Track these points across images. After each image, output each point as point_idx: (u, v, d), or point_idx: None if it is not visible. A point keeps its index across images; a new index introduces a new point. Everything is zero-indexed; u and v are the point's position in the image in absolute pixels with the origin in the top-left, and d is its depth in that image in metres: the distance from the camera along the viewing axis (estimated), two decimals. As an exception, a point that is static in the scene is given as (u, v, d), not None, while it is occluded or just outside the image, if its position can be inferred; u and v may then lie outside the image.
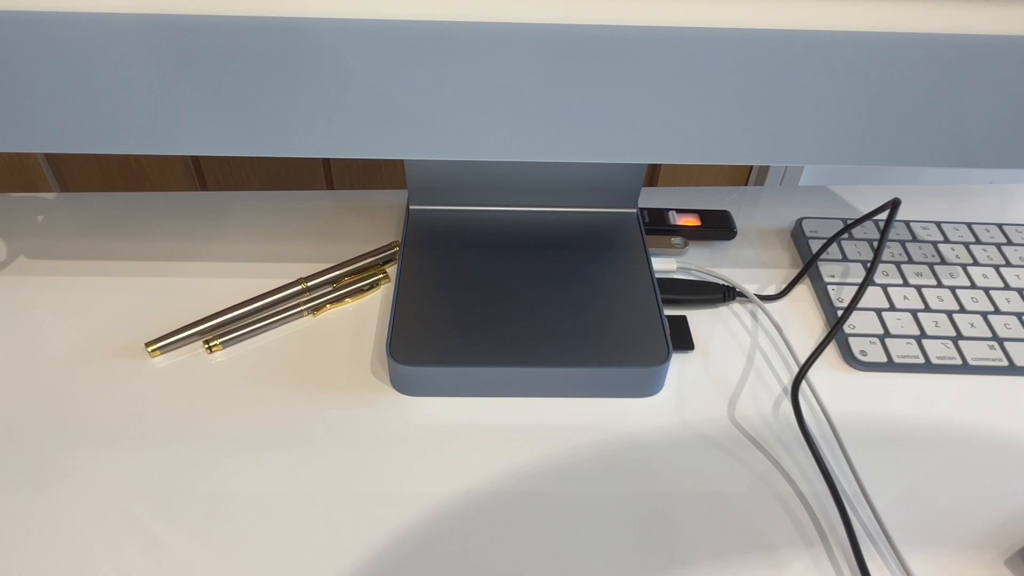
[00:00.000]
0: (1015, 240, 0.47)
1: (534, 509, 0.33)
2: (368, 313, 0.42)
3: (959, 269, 0.45)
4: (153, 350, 0.39)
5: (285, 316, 0.41)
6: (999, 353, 0.40)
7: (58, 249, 0.45)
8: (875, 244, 0.46)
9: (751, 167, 0.84)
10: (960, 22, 0.28)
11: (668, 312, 0.42)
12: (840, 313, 0.41)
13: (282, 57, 0.28)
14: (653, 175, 0.82)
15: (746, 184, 0.85)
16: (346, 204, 0.50)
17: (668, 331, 0.38)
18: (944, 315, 0.42)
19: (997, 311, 0.42)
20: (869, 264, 0.43)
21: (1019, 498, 0.34)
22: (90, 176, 0.76)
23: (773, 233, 0.49)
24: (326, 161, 0.75)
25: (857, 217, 0.46)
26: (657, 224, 0.47)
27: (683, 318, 0.42)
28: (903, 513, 0.33)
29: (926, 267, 0.45)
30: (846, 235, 0.47)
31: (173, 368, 0.39)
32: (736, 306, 0.43)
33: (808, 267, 0.44)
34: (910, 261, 0.45)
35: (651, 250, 0.45)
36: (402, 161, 0.61)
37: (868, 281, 0.40)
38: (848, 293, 0.43)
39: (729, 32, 0.28)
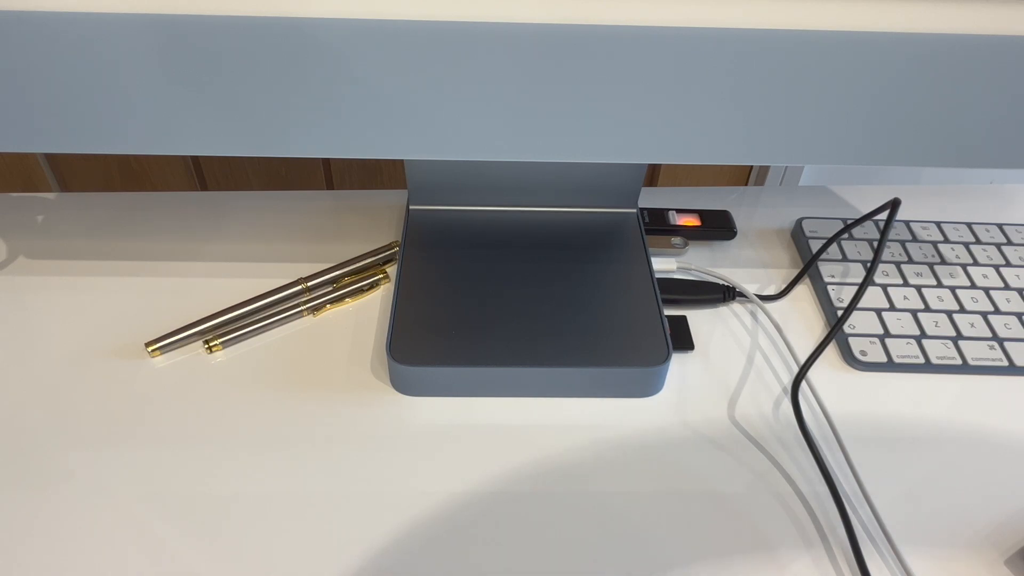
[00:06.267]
0: (1015, 240, 0.47)
1: (534, 509, 0.33)
2: (368, 313, 0.42)
3: (959, 269, 0.45)
4: (153, 350, 0.39)
5: (285, 316, 0.41)
6: (999, 353, 0.40)
7: (58, 249, 0.45)
8: (875, 244, 0.46)
9: (751, 167, 0.84)
10: (960, 22, 0.28)
11: (668, 312, 0.42)
12: (840, 313, 0.41)
13: (282, 57, 0.28)
14: (653, 175, 0.82)
15: (746, 184, 0.85)
16: (346, 204, 0.50)
17: (668, 331, 0.38)
18: (944, 315, 0.42)
19: (997, 311, 0.42)
20: (869, 264, 0.43)
21: (1019, 498, 0.34)
22: (90, 176, 0.76)
23: (773, 233, 0.49)
24: (326, 161, 0.75)
25: (857, 217, 0.46)
26: (657, 224, 0.47)
27: (683, 318, 0.42)
28: (903, 513, 0.33)
29: (926, 267, 0.45)
30: (846, 235, 0.47)
31: (173, 368, 0.39)
32: (736, 306, 0.43)
33: (808, 267, 0.44)
34: (910, 261, 0.45)
35: (651, 250, 0.45)
36: (402, 161, 0.61)
37: (868, 281, 0.40)
38: (848, 293, 0.43)
39: (729, 32, 0.28)
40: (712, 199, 0.51)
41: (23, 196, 0.49)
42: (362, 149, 0.32)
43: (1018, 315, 0.42)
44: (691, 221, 0.47)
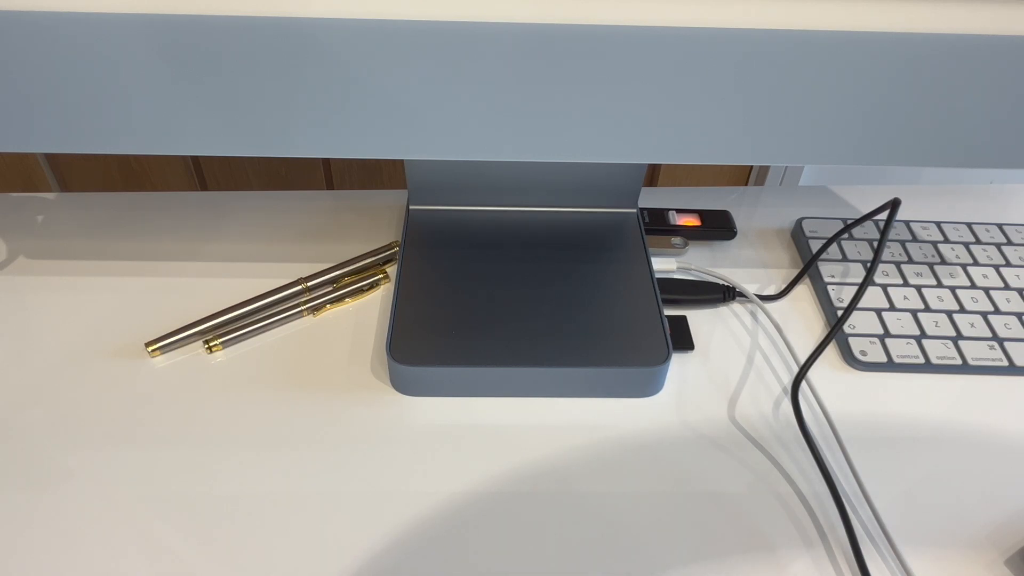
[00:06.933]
0: (1015, 240, 0.47)
1: (534, 509, 0.33)
2: (368, 313, 0.42)
3: (959, 269, 0.45)
4: (153, 350, 0.39)
5: (285, 316, 0.41)
6: (999, 353, 0.40)
7: (58, 249, 0.45)
8: (875, 244, 0.46)
9: (751, 167, 0.84)
10: (960, 22, 0.28)
11: (668, 312, 0.42)
12: (840, 313, 0.41)
13: (282, 57, 0.28)
14: (653, 175, 0.82)
15: (746, 184, 0.85)
16: (346, 204, 0.50)
17: (668, 331, 0.38)
18: (944, 315, 0.42)
19: (997, 311, 0.42)
20: (869, 264, 0.43)
21: (1019, 498, 0.34)
22: (90, 176, 0.76)
23: (773, 233, 0.49)
24: (326, 161, 0.75)
25: (857, 217, 0.46)
26: (657, 224, 0.47)
27: (683, 318, 0.42)
28: (903, 513, 0.33)
29: (926, 267, 0.45)
30: (846, 235, 0.47)
31: (173, 368, 0.39)
32: (736, 306, 0.43)
33: (808, 267, 0.44)
34: (910, 261, 0.45)
35: (651, 250, 0.45)
36: (402, 161, 0.61)
37: (868, 281, 0.40)
38: (848, 293, 0.43)
39: (729, 32, 0.28)
40: (712, 199, 0.51)
41: (23, 196, 0.49)
42: (362, 149, 0.32)
43: (1018, 315, 0.42)
44: (691, 221, 0.47)
